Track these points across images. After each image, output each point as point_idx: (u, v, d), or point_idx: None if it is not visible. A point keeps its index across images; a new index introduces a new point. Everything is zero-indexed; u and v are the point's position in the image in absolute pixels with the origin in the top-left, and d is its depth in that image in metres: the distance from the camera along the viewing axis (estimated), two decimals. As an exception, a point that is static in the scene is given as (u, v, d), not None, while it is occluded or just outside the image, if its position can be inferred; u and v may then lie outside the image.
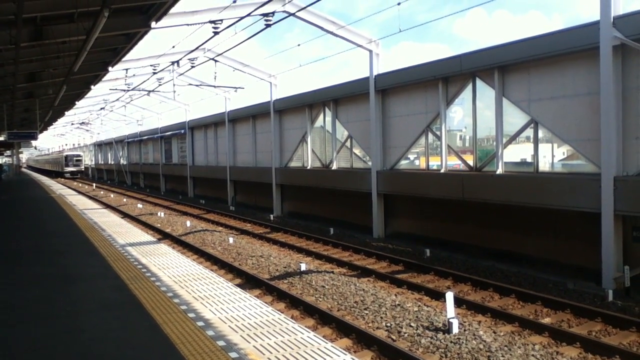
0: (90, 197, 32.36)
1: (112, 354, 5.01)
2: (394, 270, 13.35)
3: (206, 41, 15.82)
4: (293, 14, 16.58)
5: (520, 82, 13.36)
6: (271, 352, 5.00)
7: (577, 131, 12.09)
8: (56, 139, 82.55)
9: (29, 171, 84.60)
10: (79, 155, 69.44)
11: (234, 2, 14.46)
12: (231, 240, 17.40)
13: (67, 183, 48.83)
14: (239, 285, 10.58)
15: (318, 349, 5.09)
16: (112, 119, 50.47)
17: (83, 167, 69.45)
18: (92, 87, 22.83)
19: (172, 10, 12.77)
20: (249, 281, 12.37)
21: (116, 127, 57.12)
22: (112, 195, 37.48)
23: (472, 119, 14.94)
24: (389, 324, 8.91)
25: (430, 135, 16.56)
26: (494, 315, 9.55)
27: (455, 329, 8.27)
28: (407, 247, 16.06)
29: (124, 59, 17.96)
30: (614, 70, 10.87)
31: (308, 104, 22.57)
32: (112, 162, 63.65)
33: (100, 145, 70.54)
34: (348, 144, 20.58)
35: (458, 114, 16.09)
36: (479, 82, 14.58)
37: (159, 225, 21.80)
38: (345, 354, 4.99)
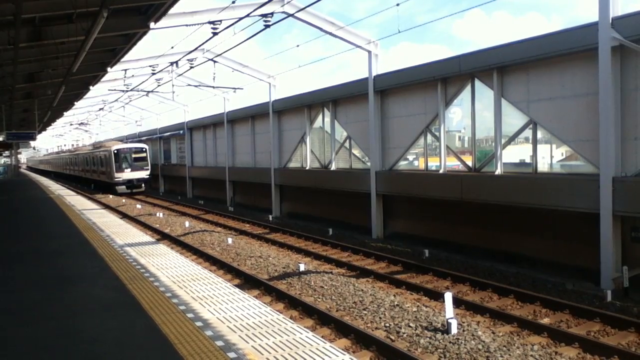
0: (88, 198, 32.27)
1: (111, 355, 5.01)
2: (393, 270, 13.35)
3: (205, 42, 15.80)
4: (292, 15, 16.59)
5: (519, 83, 13.37)
6: (270, 352, 5.00)
7: (575, 132, 12.11)
8: (55, 139, 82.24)
9: (29, 172, 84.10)
10: (141, 150, 38.62)
11: (233, 2, 14.45)
12: (230, 240, 17.39)
13: (64, 182, 48.24)
14: (237, 286, 10.55)
15: (317, 349, 5.09)
16: (111, 119, 50.41)
17: (149, 171, 38.75)
18: (91, 87, 22.82)
19: (171, 11, 12.78)
20: (247, 281, 12.36)
21: (115, 127, 57.08)
22: (110, 196, 37.40)
23: (471, 120, 14.96)
24: (387, 324, 8.91)
25: (429, 136, 16.58)
26: (492, 315, 9.56)
27: (454, 329, 8.28)
28: (406, 247, 16.06)
29: (122, 59, 17.97)
30: (612, 71, 10.89)
31: (307, 105, 22.58)
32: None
33: None
34: (347, 144, 20.59)
35: (457, 115, 16.11)
36: (477, 83, 14.59)
37: (157, 225, 21.79)
38: (344, 354, 4.99)
